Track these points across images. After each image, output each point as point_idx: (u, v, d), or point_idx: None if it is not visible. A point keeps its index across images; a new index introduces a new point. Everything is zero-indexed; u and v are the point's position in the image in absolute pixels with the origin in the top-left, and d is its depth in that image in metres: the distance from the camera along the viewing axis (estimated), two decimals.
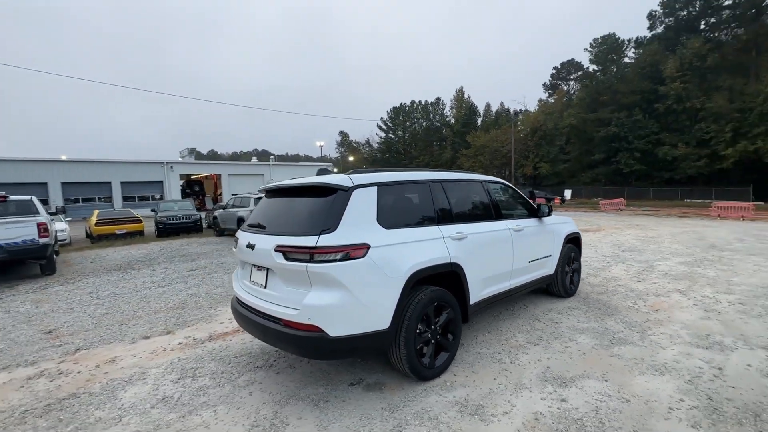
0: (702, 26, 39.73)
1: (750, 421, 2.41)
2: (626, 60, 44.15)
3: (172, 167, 31.20)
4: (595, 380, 2.97)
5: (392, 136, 70.50)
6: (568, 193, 37.80)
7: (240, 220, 12.95)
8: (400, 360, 2.83)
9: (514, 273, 4.05)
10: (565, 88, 58.33)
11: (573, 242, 5.21)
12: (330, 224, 2.61)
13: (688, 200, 34.79)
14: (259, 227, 3.13)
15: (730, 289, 5.42)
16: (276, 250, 2.71)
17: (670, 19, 41.92)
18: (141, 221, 15.01)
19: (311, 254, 2.53)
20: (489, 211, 3.91)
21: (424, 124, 67.72)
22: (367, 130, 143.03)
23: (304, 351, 2.68)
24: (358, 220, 2.71)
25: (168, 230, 14.84)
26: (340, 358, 3.26)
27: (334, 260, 2.51)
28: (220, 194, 35.08)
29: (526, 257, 4.23)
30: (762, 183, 34.23)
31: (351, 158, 78.65)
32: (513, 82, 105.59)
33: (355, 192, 2.78)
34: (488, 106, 63.80)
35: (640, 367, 3.16)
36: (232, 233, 14.26)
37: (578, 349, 3.55)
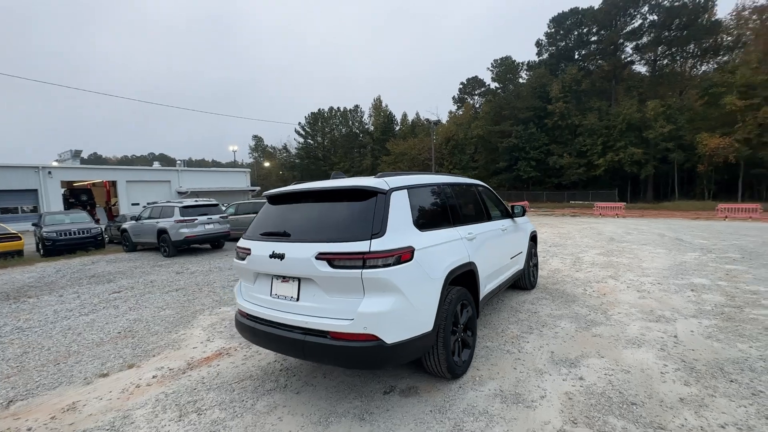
0: (576, 56, 47.45)
1: (719, 374, 2.99)
2: (521, 80, 50.34)
3: (50, 173, 26.00)
4: (595, 358, 3.36)
5: (311, 142, 69.33)
6: None
7: (161, 232, 11.36)
8: (438, 361, 2.83)
9: (503, 269, 4.37)
10: (471, 102, 64.10)
11: (533, 240, 5.80)
12: (378, 228, 2.52)
13: (573, 202, 41.03)
14: (280, 235, 2.85)
15: (645, 273, 6.58)
16: (318, 258, 2.51)
17: (553, 48, 49.22)
18: (20, 238, 12.23)
19: (364, 260, 2.41)
20: (483, 212, 4.16)
21: (343, 131, 68.03)
22: (284, 134, 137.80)
23: (357, 362, 2.52)
24: (400, 223, 2.67)
25: (59, 248, 12.33)
26: (392, 366, 3.12)
27: (388, 264, 2.43)
28: (115, 204, 30.36)
29: (509, 254, 4.60)
30: (624, 187, 42.15)
31: (267, 163, 74.99)
32: (426, 94, 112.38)
33: (393, 195, 2.73)
34: (405, 115, 66.82)
35: (621, 343, 3.68)
36: (151, 247, 12.43)
37: (566, 333, 3.98)
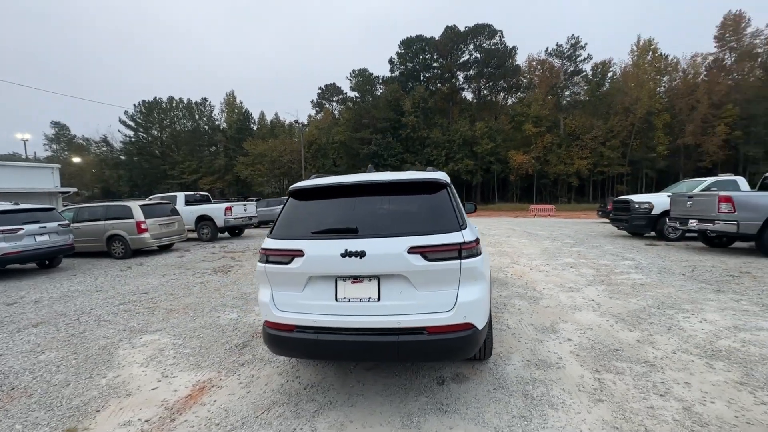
0: (422, 77, 54.29)
1: (640, 320, 4.13)
2: (378, 92, 54.39)
3: None
4: (563, 323, 4.14)
5: (144, 135, 58.21)
6: None
7: None
8: (485, 344, 3.00)
9: None
10: (330, 107, 65.62)
11: None
12: (462, 220, 2.54)
13: None
14: (344, 232, 2.51)
15: (531, 258, 8.25)
16: (410, 253, 2.35)
17: (403, 67, 55.04)
18: None
19: (460, 251, 2.39)
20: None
21: (188, 125, 59.57)
22: (102, 124, 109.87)
23: (455, 353, 2.45)
24: (464, 214, 2.75)
25: None
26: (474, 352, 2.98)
27: (476, 254, 2.48)
28: None
29: None
30: (461, 192, 50.48)
31: (77, 159, 59.06)
32: (286, 95, 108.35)
33: (450, 188, 2.78)
34: (263, 114, 63.20)
35: (566, 310, 4.61)
36: None
37: (526, 308, 4.72)
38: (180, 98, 59.11)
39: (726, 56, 40.07)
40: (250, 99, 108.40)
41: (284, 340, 2.53)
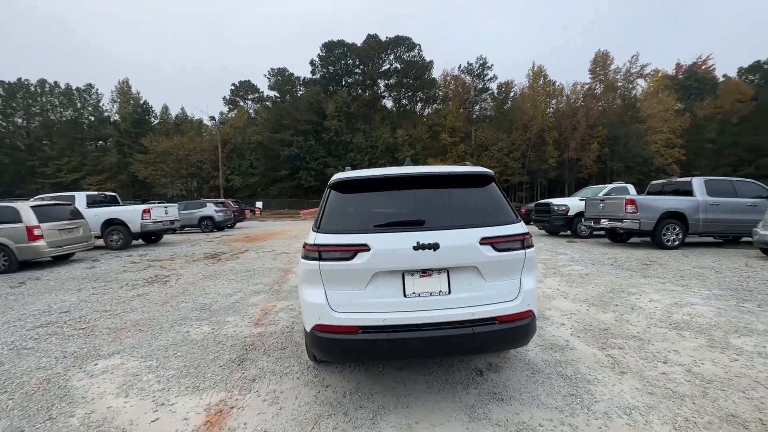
0: (344, 82, 54.50)
1: (605, 303, 4.73)
2: (299, 94, 52.92)
3: None
4: (548, 310, 4.53)
5: (4, 124, 47.52)
6: (259, 205, 40.91)
7: None
8: None
9: None
10: (245, 106, 61.87)
11: None
12: (515, 212, 2.61)
13: None
14: (410, 224, 2.38)
15: None
16: (482, 243, 2.34)
17: (325, 70, 54.58)
18: None
19: (523, 241, 2.46)
20: None
21: (67, 114, 50.33)
22: None
23: (520, 340, 2.46)
24: None
25: None
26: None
27: (533, 245, 2.57)
28: None
29: None
30: None
31: None
32: (194, 89, 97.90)
33: (496, 181, 2.84)
34: (166, 108, 56.51)
35: (547, 299, 5.06)
36: None
37: None
38: (55, 82, 49.67)
39: (597, 86, 48.46)
40: (150, 90, 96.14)
41: (346, 343, 2.30)
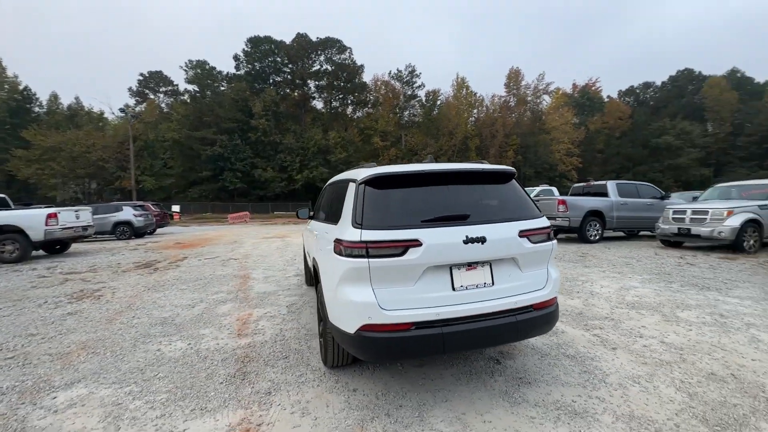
0: (272, 80, 52.26)
1: (566, 291, 5.29)
2: (223, 89, 49.27)
3: None
4: None
5: None
6: (177, 209, 37.34)
7: None
8: None
9: None
10: (156, 99, 55.93)
11: None
12: (537, 207, 2.78)
13: (277, 213, 44.82)
14: (457, 219, 2.41)
15: None
16: (520, 236, 2.47)
17: (250, 66, 51.71)
18: None
19: (549, 234, 2.65)
20: None
21: None
22: None
23: (550, 325, 2.61)
24: None
25: None
26: None
27: (554, 237, 2.78)
28: None
29: None
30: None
31: None
32: (91, 77, 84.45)
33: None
34: (56, 97, 48.26)
35: None
36: None
37: None
38: None
39: (511, 99, 53.63)
40: (34, 74, 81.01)
41: (399, 341, 2.24)
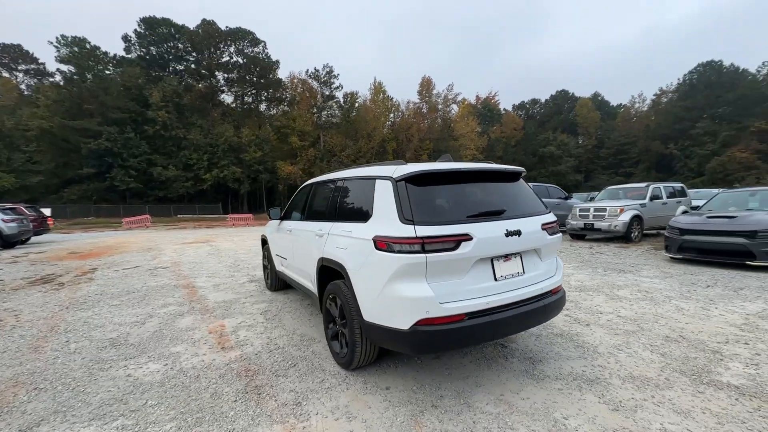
0: (172, 68, 46.78)
1: None
2: (109, 73, 42.37)
3: None
4: None
5: None
6: (48, 212, 31.29)
7: None
8: None
9: None
10: (13, 78, 45.93)
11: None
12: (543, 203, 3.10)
13: (181, 216, 40.28)
14: (494, 214, 2.59)
15: None
16: (543, 228, 2.75)
17: (145, 50, 45.54)
18: None
19: (557, 226, 2.98)
20: None
21: None
22: None
23: (561, 308, 2.90)
24: None
25: None
26: None
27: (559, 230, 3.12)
28: None
29: None
30: (226, 201, 46.83)
31: None
32: None
33: None
34: None
35: None
36: None
37: None
38: None
39: (424, 106, 56.87)
40: None
41: (454, 332, 2.30)
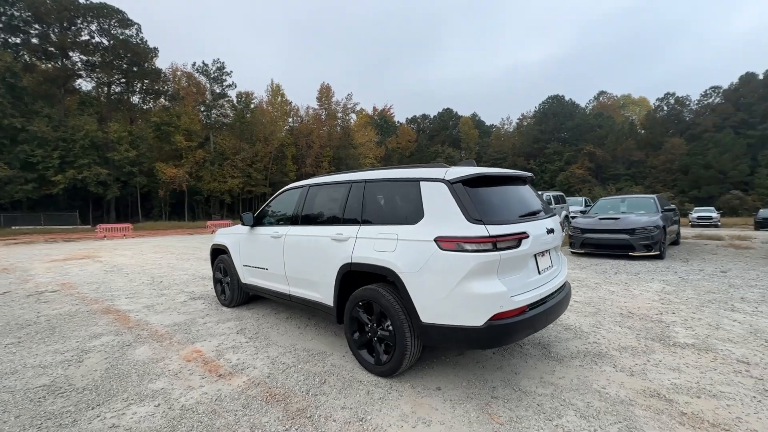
0: (3, 40, 36.69)
1: None
2: None
3: None
4: None
5: None
6: None
7: None
8: None
9: None
10: None
11: None
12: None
13: (16, 227, 31.75)
14: (533, 214, 2.87)
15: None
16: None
17: None
18: None
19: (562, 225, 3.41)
20: None
21: None
22: None
23: (570, 299, 3.30)
24: None
25: None
26: None
27: None
28: None
29: None
30: (86, 208, 38.55)
31: None
32: None
33: None
34: None
35: None
36: None
37: None
38: None
39: (323, 113, 56.72)
40: None
41: (520, 323, 2.45)
